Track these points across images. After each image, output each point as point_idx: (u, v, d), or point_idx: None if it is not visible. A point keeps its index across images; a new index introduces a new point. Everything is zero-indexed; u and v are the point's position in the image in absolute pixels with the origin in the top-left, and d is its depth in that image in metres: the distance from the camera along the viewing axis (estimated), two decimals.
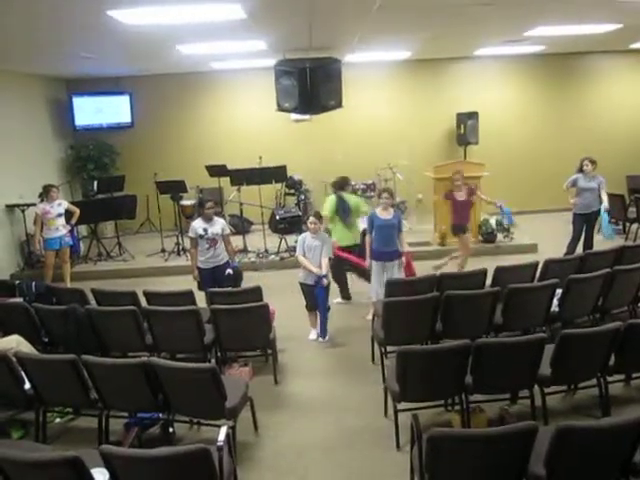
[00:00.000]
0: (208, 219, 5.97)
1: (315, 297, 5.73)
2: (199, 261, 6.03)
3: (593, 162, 7.16)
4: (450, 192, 7.02)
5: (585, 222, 7.29)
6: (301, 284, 5.85)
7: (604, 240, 7.25)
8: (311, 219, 5.80)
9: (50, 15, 4.89)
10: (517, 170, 10.98)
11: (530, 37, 7.98)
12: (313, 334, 5.94)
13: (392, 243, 5.92)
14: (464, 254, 7.15)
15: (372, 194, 9.93)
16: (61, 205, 7.58)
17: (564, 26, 7.23)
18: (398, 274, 5.97)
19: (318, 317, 5.85)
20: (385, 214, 5.91)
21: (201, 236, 5.94)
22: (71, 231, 7.85)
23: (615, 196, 8.80)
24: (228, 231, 6.23)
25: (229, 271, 5.72)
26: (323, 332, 5.84)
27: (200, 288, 5.94)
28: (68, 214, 7.67)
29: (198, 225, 5.99)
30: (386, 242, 5.87)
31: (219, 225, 6.04)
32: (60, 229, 7.55)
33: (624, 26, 7.33)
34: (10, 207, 8.43)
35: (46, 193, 7.47)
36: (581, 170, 7.18)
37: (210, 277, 5.97)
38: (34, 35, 5.76)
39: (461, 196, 6.94)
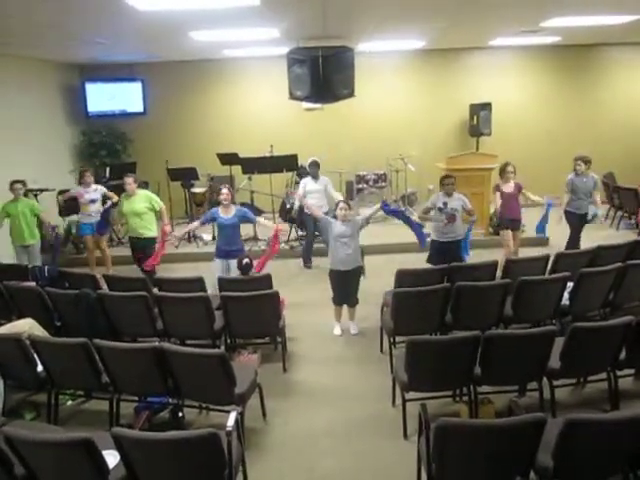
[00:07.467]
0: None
1: (347, 286, 5.51)
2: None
3: (587, 161, 6.96)
4: (497, 185, 6.90)
5: (579, 221, 7.08)
6: (331, 271, 5.49)
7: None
8: (341, 204, 5.45)
9: None
10: (530, 162, 10.82)
11: (546, 28, 7.87)
12: (337, 329, 5.76)
13: None
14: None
15: (383, 184, 9.90)
16: (97, 191, 7.45)
17: (581, 17, 7.12)
18: None
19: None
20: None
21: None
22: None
23: (629, 190, 8.71)
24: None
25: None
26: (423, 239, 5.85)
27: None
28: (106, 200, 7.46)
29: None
30: None
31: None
32: (93, 215, 7.37)
33: None
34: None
35: (80, 177, 7.49)
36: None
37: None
38: (48, 19, 5.76)
39: (508, 188, 6.80)
